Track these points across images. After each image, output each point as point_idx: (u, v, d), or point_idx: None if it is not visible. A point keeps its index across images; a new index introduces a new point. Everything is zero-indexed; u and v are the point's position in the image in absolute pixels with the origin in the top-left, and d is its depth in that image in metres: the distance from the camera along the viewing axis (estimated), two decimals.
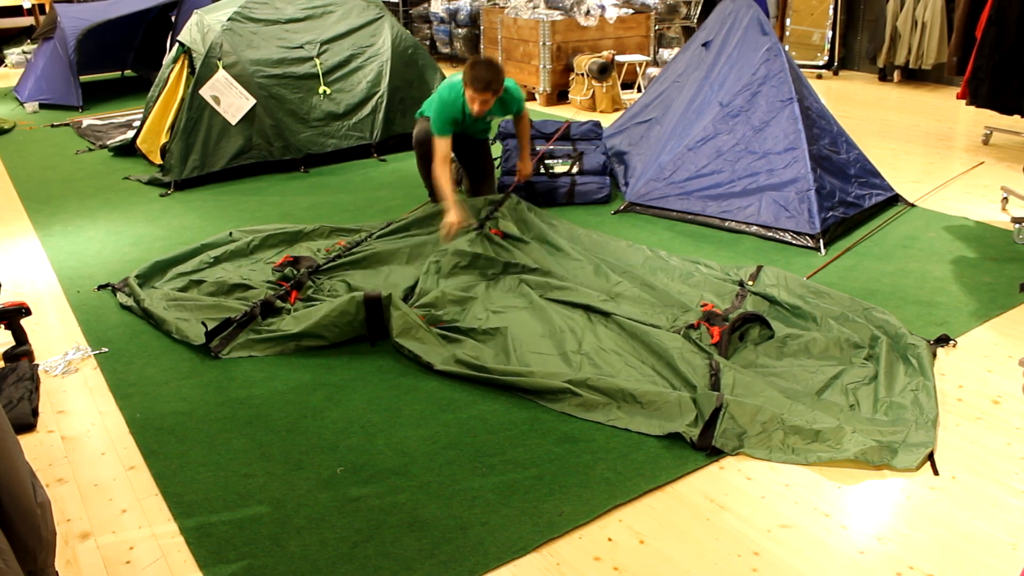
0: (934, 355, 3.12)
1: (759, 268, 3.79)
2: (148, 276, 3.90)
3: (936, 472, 2.52)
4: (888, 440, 2.60)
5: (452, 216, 4.00)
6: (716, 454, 2.60)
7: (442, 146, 4.23)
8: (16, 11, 11.56)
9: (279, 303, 3.51)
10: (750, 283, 3.67)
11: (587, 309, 3.48)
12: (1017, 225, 4.24)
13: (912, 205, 4.76)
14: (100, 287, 3.94)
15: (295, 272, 3.84)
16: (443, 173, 4.19)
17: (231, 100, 5.61)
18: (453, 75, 4.40)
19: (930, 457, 2.57)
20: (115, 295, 3.84)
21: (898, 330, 3.20)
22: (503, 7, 8.52)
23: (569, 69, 7.82)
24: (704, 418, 2.67)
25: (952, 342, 3.23)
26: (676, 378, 2.96)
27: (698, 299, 3.56)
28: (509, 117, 4.85)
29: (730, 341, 3.17)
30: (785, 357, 3.14)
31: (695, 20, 8.63)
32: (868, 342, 3.15)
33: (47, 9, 10.57)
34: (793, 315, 3.41)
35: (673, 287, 3.71)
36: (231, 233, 4.37)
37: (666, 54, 8.35)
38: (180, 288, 3.78)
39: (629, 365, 3.08)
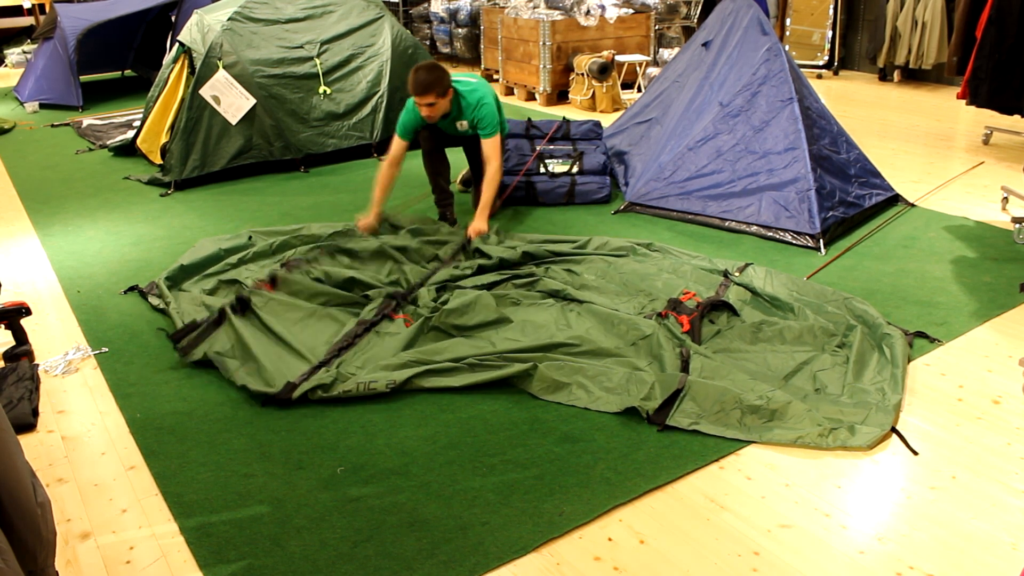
0: (910, 345, 3.17)
1: (747, 264, 3.87)
2: (176, 280, 3.88)
3: (915, 452, 2.60)
4: (849, 421, 2.68)
5: (363, 222, 4.31)
6: (668, 430, 2.70)
7: (393, 147, 4.43)
8: (16, 11, 11.56)
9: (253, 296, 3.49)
10: (736, 274, 3.74)
11: (558, 297, 3.56)
12: (1017, 225, 4.24)
13: (912, 205, 4.76)
14: (126, 290, 3.90)
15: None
16: (384, 173, 4.39)
17: (231, 100, 5.61)
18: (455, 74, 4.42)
19: (899, 435, 2.66)
20: (146, 299, 3.80)
21: (875, 320, 3.27)
22: (503, 7, 8.52)
23: (569, 69, 7.82)
24: (664, 395, 2.79)
25: (935, 340, 3.26)
26: (653, 359, 3.06)
27: (681, 288, 3.63)
28: (514, 118, 4.85)
29: (701, 327, 3.26)
30: (759, 343, 3.21)
31: (695, 20, 8.63)
32: (843, 330, 3.22)
33: (47, 9, 10.57)
34: (772, 305, 3.50)
35: (660, 277, 3.78)
36: (250, 236, 4.38)
37: (666, 54, 8.35)
38: (209, 290, 3.78)
39: (605, 349, 3.14)
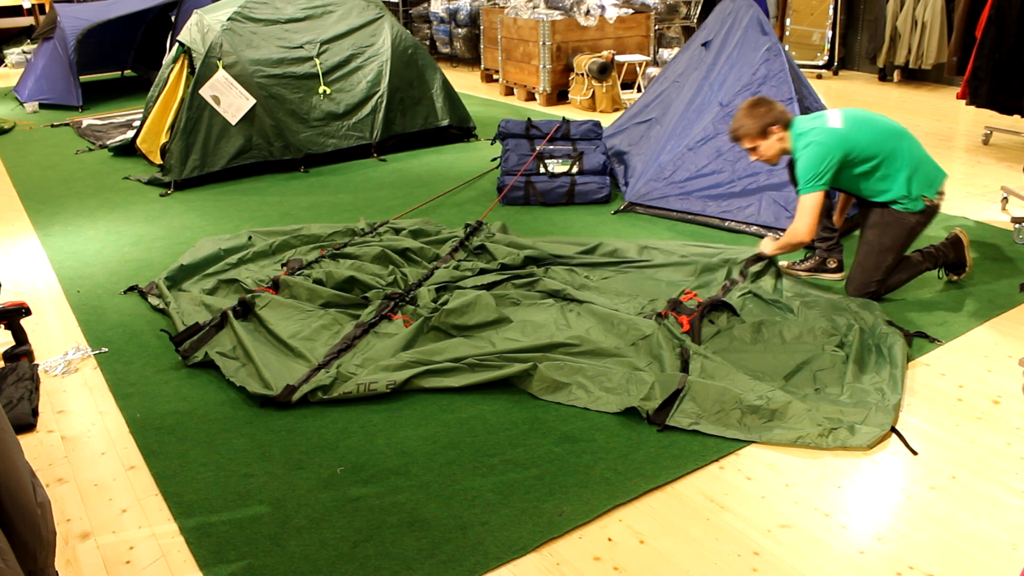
0: (909, 345, 3.18)
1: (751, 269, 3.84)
2: (176, 279, 3.87)
3: (914, 452, 2.60)
4: (849, 421, 2.69)
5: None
6: (668, 430, 2.71)
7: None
8: (16, 11, 11.56)
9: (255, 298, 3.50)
10: (739, 279, 3.73)
11: (558, 297, 3.55)
12: (1017, 225, 4.24)
13: None
14: (126, 290, 3.90)
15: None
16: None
17: (231, 100, 5.61)
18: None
19: (898, 435, 2.66)
20: (146, 299, 3.80)
21: (875, 320, 3.28)
22: (503, 7, 8.52)
23: (569, 69, 7.82)
24: (664, 396, 2.79)
25: (935, 340, 3.26)
26: (652, 359, 3.06)
27: (681, 288, 3.64)
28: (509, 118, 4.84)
29: (701, 327, 3.27)
30: (759, 343, 3.21)
31: (695, 20, 8.63)
32: (843, 330, 3.22)
33: (47, 9, 10.57)
34: (772, 305, 3.49)
35: (663, 275, 3.78)
36: (250, 236, 4.37)
37: (666, 54, 8.35)
38: (209, 290, 3.78)
39: (605, 349, 3.13)
